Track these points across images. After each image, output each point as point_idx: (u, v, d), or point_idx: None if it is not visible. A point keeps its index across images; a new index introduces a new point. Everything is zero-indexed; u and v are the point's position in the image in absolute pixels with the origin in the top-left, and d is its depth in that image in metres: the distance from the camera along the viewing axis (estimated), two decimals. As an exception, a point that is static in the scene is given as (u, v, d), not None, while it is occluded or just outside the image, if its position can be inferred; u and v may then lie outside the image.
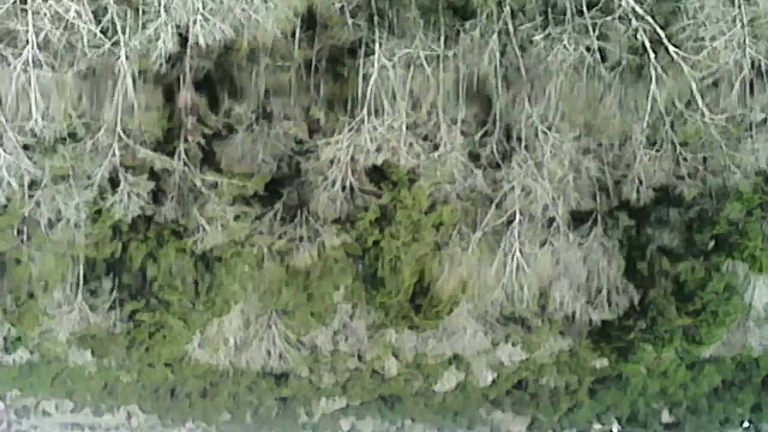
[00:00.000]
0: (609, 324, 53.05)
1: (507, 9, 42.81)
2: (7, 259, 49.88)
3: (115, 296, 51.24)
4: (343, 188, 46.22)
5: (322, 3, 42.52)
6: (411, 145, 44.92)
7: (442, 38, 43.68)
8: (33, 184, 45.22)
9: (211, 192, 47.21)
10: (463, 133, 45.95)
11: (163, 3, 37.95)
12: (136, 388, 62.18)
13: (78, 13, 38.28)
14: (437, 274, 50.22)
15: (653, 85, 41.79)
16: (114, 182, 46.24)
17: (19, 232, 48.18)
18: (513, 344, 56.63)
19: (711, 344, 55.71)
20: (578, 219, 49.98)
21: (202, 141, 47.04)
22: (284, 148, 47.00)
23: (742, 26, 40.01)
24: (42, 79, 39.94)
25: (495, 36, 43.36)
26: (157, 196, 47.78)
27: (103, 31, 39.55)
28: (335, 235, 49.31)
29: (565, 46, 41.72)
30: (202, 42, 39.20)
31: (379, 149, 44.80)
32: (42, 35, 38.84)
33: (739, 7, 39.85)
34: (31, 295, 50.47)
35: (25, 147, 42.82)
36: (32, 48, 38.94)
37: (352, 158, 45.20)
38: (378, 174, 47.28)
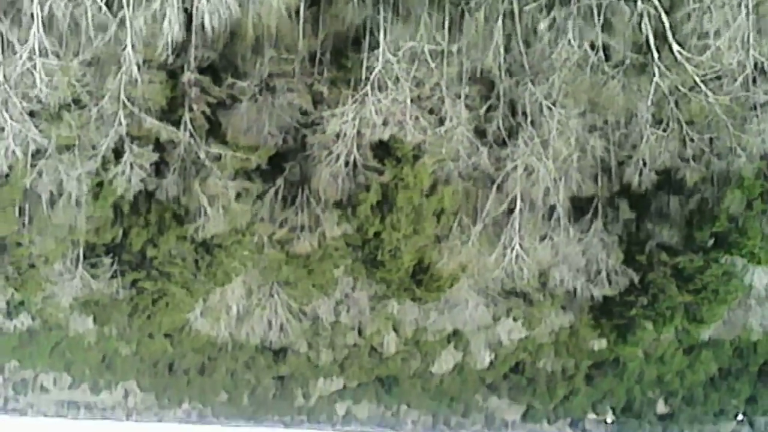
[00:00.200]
0: (610, 300, 53.16)
1: (513, -9, 42.95)
2: (8, 243, 50.18)
3: (116, 268, 51.15)
4: (347, 164, 46.23)
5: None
6: (417, 119, 44.94)
7: (447, 23, 43.71)
8: (37, 153, 45.10)
9: (214, 165, 47.14)
10: (467, 107, 45.91)
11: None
12: (135, 361, 62.50)
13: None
14: (437, 260, 50.45)
15: (656, 78, 42.11)
16: (118, 154, 46.21)
17: (21, 212, 48.31)
18: (514, 319, 56.79)
19: (712, 323, 55.84)
20: (578, 208, 50.20)
21: (207, 110, 46.92)
22: (290, 119, 46.93)
23: (747, 14, 40.01)
24: (47, 66, 40.30)
25: (500, 23, 43.39)
26: (159, 168, 47.69)
27: (108, 5, 39.81)
28: (336, 224, 49.50)
29: (569, 42, 41.86)
30: (207, 23, 39.36)
31: (385, 123, 44.79)
32: (47, 8, 39.14)
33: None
34: (32, 266, 50.56)
35: (31, 114, 42.81)
36: (38, 31, 39.25)
37: (359, 132, 45.15)
38: (383, 150, 47.28)
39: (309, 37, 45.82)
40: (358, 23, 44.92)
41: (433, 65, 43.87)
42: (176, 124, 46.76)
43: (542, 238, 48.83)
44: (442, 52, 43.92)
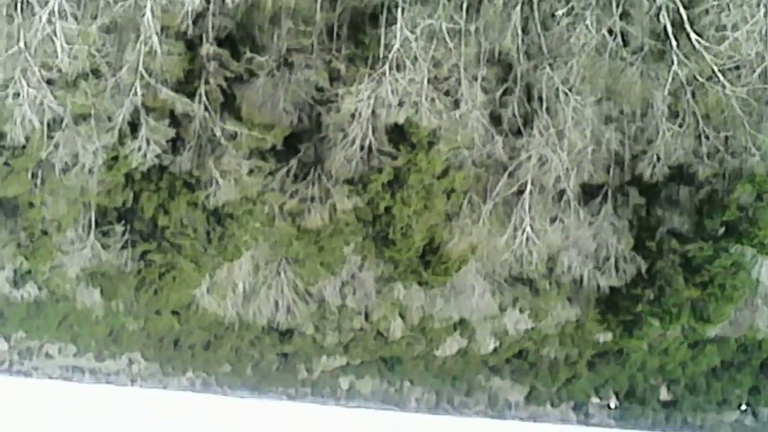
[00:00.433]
0: (617, 293, 53.52)
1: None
2: (20, 203, 50.55)
3: (127, 237, 51.60)
4: (362, 148, 46.72)
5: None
6: (433, 101, 45.21)
7: (465, 5, 44.02)
8: (54, 124, 45.66)
9: (229, 143, 47.67)
10: (484, 90, 46.28)
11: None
12: (141, 336, 62.40)
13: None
14: (447, 240, 50.96)
15: (675, 66, 42.46)
16: (134, 127, 46.77)
17: (33, 175, 48.87)
18: (521, 310, 57.12)
19: (719, 323, 56.16)
20: (588, 193, 50.62)
21: (224, 84, 47.31)
22: (305, 96, 47.32)
23: (766, 13, 40.38)
24: (66, 30, 40.71)
25: (518, 8, 43.83)
26: (175, 145, 48.25)
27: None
28: (346, 197, 49.81)
29: (587, 27, 42.28)
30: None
31: (401, 104, 45.12)
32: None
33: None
34: (45, 233, 50.98)
35: (49, 82, 43.27)
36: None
37: (374, 112, 45.51)
38: (398, 134, 47.68)
39: (326, 10, 46.26)
40: (375, 3, 45.35)
41: (451, 45, 44.15)
42: (191, 96, 47.23)
43: (552, 220, 49.19)
44: (460, 31, 44.20)
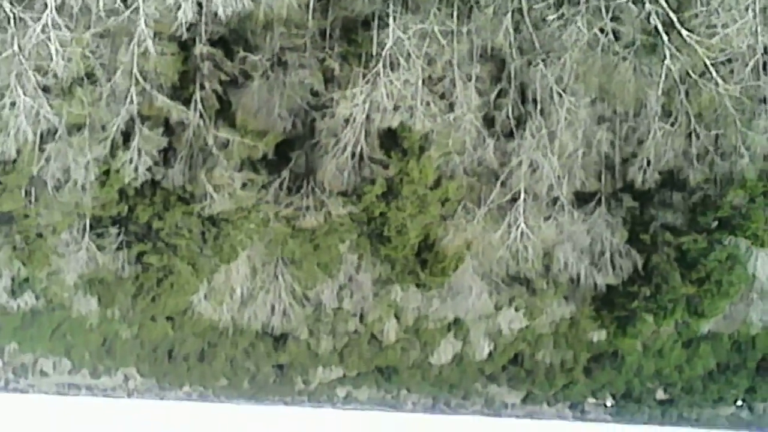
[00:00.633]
0: (613, 290, 53.76)
1: (522, -14, 43.77)
2: (15, 216, 50.59)
3: (122, 239, 51.73)
4: (353, 155, 47.06)
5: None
6: (428, 104, 45.66)
7: (455, 13, 44.64)
8: (47, 135, 45.85)
9: (221, 153, 47.89)
10: (478, 91, 46.70)
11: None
12: (135, 346, 62.58)
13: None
14: (442, 237, 51.26)
15: (668, 60, 42.90)
16: (127, 137, 46.94)
17: (27, 192, 48.99)
18: (516, 308, 57.37)
19: (713, 317, 56.50)
20: (582, 199, 51.05)
21: (219, 89, 47.67)
22: (300, 101, 47.78)
23: (755, 16, 40.93)
24: (61, 36, 40.93)
25: (509, 15, 44.42)
26: (167, 157, 48.49)
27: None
28: (341, 206, 50.15)
29: (579, 27, 42.71)
30: (221, 12, 40.55)
31: (396, 108, 45.49)
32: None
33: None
34: (40, 235, 51.02)
35: (45, 89, 43.38)
36: (51, 11, 40.09)
37: (368, 117, 45.88)
38: (390, 140, 48.02)
39: (318, 19, 46.81)
40: (367, 12, 45.87)
41: (444, 42, 44.67)
42: (187, 102, 47.47)
43: (546, 218, 49.57)
44: (452, 32, 44.84)
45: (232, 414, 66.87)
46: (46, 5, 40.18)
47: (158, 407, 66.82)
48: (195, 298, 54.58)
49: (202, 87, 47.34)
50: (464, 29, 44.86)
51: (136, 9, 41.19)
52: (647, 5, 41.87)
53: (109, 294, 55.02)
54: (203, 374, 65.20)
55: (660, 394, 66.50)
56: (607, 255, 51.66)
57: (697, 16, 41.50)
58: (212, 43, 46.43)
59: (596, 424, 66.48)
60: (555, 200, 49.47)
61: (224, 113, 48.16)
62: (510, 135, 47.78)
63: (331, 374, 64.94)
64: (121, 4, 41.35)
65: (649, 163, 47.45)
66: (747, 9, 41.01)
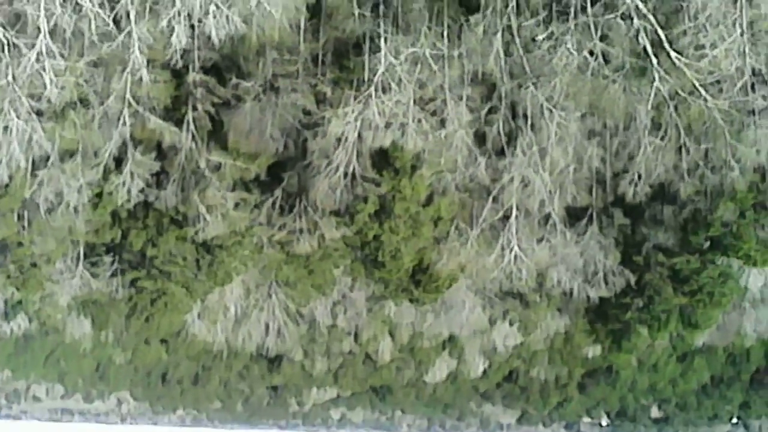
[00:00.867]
0: (606, 302, 54.13)
1: (513, 4, 44.38)
2: (9, 243, 50.80)
3: (116, 267, 52.07)
4: (345, 175, 47.46)
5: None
6: (420, 122, 46.14)
7: (446, 33, 45.21)
8: (39, 161, 46.16)
9: (213, 175, 48.31)
10: (469, 109, 47.19)
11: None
12: (129, 370, 62.79)
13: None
14: (436, 261, 51.58)
15: (657, 82, 43.38)
16: (119, 162, 47.33)
17: (20, 217, 49.15)
18: (510, 323, 57.82)
19: (707, 328, 56.88)
20: (574, 216, 51.38)
21: (211, 110, 48.13)
22: (292, 120, 48.18)
23: (742, 33, 41.47)
24: (54, 65, 41.32)
25: (499, 35, 44.90)
26: (159, 179, 48.87)
27: (116, 21, 41.04)
28: (334, 228, 50.46)
29: (568, 49, 43.24)
30: (214, 36, 40.50)
31: (388, 125, 45.93)
32: (53, 21, 40.21)
33: (741, 9, 41.28)
34: (34, 265, 51.19)
35: (38, 113, 43.73)
36: (45, 37, 40.37)
37: (360, 136, 46.30)
38: (381, 159, 48.50)
39: (310, 41, 47.27)
40: (358, 34, 46.35)
41: (435, 68, 45.25)
42: (179, 123, 47.90)
43: (539, 240, 49.88)
44: (444, 56, 45.37)
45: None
46: (39, 30, 40.47)
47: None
48: (189, 317, 54.96)
49: (195, 109, 47.88)
50: (455, 53, 45.49)
51: (129, 33, 41.46)
52: (636, 21, 42.28)
53: (103, 315, 55.25)
54: (197, 397, 65.46)
55: (655, 412, 66.89)
56: (600, 275, 52.18)
57: (685, 33, 41.87)
58: (205, 70, 47.00)
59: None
60: (547, 218, 49.85)
61: (216, 135, 48.65)
62: (501, 152, 48.26)
63: (325, 395, 65.29)
64: (114, 28, 41.58)
65: (640, 177, 47.91)
66: (734, 24, 41.52)
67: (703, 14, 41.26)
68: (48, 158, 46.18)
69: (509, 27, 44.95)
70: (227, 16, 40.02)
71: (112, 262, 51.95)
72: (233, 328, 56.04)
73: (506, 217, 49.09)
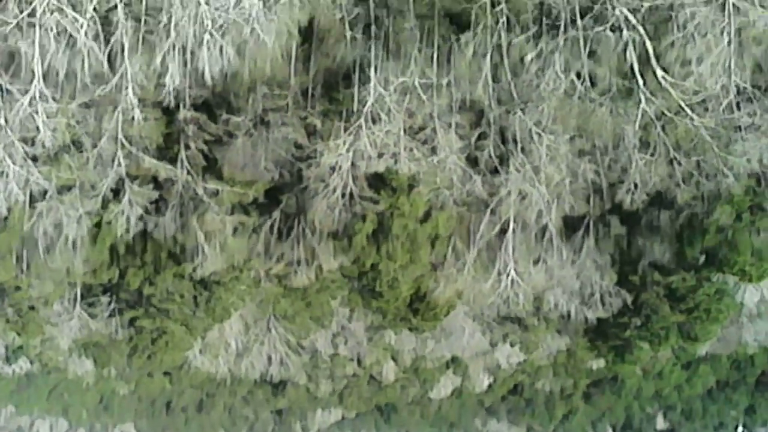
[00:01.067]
0: (604, 322, 54.68)
1: (503, 20, 44.89)
2: (7, 288, 51.45)
3: (113, 306, 52.60)
4: (343, 195, 48.03)
5: (323, 15, 44.41)
6: (411, 150, 46.86)
7: (436, 56, 45.72)
8: (39, 195, 46.55)
9: (212, 200, 48.87)
10: (459, 136, 47.85)
11: (173, 22, 39.64)
12: (133, 401, 63.41)
13: (83, 30, 40.01)
14: (433, 288, 52.14)
15: (643, 104, 44.14)
16: (117, 193, 47.79)
17: (18, 259, 49.42)
18: (511, 344, 58.34)
19: (707, 341, 57.43)
20: (570, 226, 51.86)
21: (204, 148, 48.67)
22: (285, 154, 48.56)
23: (729, 42, 42.00)
24: (47, 108, 41.99)
25: (488, 56, 45.48)
26: (158, 206, 49.31)
27: (110, 58, 41.56)
28: (332, 256, 50.93)
29: (556, 72, 43.96)
30: (207, 73, 40.98)
31: (380, 155, 46.70)
32: (47, 60, 40.72)
33: (729, 16, 41.81)
34: (32, 308, 51.96)
35: (34, 159, 44.47)
36: (38, 82, 40.93)
37: (353, 164, 46.99)
38: (378, 181, 49.00)
39: (300, 73, 47.51)
40: (349, 61, 46.78)
41: (424, 97, 45.82)
42: (173, 161, 48.46)
43: (536, 262, 50.39)
44: (432, 85, 45.86)
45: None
46: (33, 73, 41.00)
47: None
48: (190, 353, 55.57)
49: (188, 147, 48.42)
50: (444, 81, 45.99)
51: (122, 74, 41.98)
52: (625, 32, 42.91)
53: (105, 355, 55.86)
54: (201, 425, 65.74)
55: (660, 422, 67.25)
56: (597, 296, 52.81)
57: (673, 44, 42.43)
58: (195, 107, 47.36)
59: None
60: (544, 232, 50.28)
61: (211, 169, 49.20)
62: (495, 171, 48.88)
63: (330, 417, 65.73)
64: (107, 67, 42.04)
65: (636, 186, 48.51)
66: (723, 32, 42.06)
67: (692, 23, 41.85)
68: (46, 192, 46.66)
69: (499, 46, 45.48)
70: (221, 47, 40.45)
71: (110, 302, 52.55)
72: (235, 360, 56.74)
73: (503, 232, 49.59)
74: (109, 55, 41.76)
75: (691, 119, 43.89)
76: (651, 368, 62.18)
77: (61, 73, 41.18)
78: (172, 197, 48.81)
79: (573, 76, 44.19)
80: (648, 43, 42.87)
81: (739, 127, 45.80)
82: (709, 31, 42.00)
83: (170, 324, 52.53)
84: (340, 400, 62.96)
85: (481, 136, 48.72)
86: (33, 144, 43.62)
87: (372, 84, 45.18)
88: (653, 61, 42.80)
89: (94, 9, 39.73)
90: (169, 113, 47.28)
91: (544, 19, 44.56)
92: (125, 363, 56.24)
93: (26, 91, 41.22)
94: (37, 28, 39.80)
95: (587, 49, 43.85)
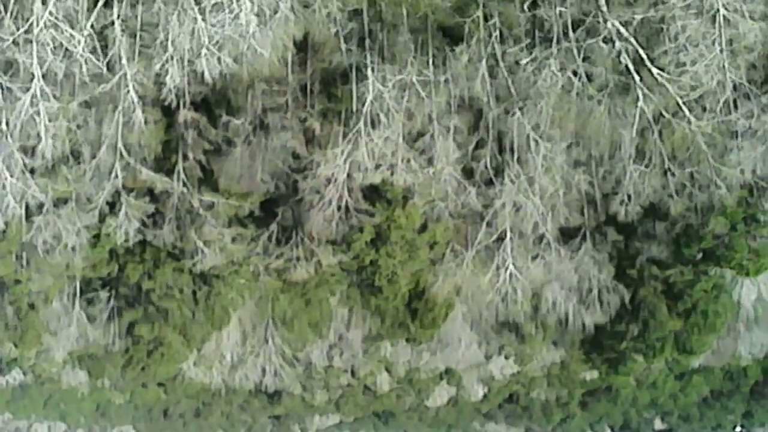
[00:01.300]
0: (601, 330, 55.33)
1: (496, 33, 45.77)
2: (6, 281, 52.18)
3: (113, 305, 53.33)
4: (339, 208, 48.70)
5: (317, 29, 44.98)
6: (408, 161, 47.55)
7: (431, 60, 46.58)
8: (36, 208, 47.50)
9: (208, 213, 49.66)
10: (457, 144, 48.63)
11: (170, 38, 40.40)
12: (129, 408, 63.73)
13: (81, 45, 40.70)
14: (433, 282, 52.85)
15: (641, 102, 44.76)
16: (113, 206, 48.76)
17: (18, 257, 50.50)
18: (506, 357, 58.93)
19: (701, 353, 58.04)
20: (567, 234, 52.64)
21: (202, 158, 49.44)
22: (282, 164, 49.28)
23: (721, 50, 42.83)
24: (48, 109, 42.54)
25: (483, 61, 46.26)
26: (155, 219, 50.21)
27: (109, 66, 42.32)
28: (331, 254, 51.78)
29: (553, 72, 44.58)
30: (207, 75, 41.57)
31: (377, 166, 47.31)
32: (46, 66, 41.29)
33: (719, 28, 42.62)
34: (32, 306, 52.63)
35: (31, 171, 45.24)
36: (39, 81, 41.45)
37: (349, 175, 47.65)
38: (373, 192, 49.74)
39: (298, 73, 48.28)
40: (345, 65, 47.49)
41: (423, 94, 46.43)
42: (170, 173, 49.24)
43: (534, 258, 51.06)
44: (430, 82, 46.56)
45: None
46: (32, 75, 41.54)
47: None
48: (185, 365, 56.28)
49: (185, 158, 49.12)
50: (442, 78, 46.69)
51: (122, 76, 42.69)
52: (617, 43, 43.65)
53: (99, 367, 56.62)
54: (200, 427, 66.23)
55: (658, 424, 67.77)
56: (595, 292, 53.38)
57: (666, 53, 43.28)
58: (195, 106, 47.89)
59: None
60: (541, 237, 51.00)
61: (207, 181, 49.93)
62: (489, 182, 49.54)
63: (328, 421, 66.07)
64: (106, 71, 42.75)
65: (630, 198, 49.01)
66: (714, 43, 42.79)
67: (683, 35, 42.55)
68: (42, 205, 47.42)
69: (494, 54, 46.31)
70: (219, 58, 41.06)
71: (109, 299, 53.23)
72: (230, 372, 57.44)
73: (501, 239, 50.36)
74: (107, 63, 42.59)
75: (689, 122, 44.49)
76: (645, 379, 62.56)
77: (59, 75, 41.81)
78: (168, 210, 49.63)
79: (569, 73, 44.80)
80: (641, 51, 43.72)
81: (736, 132, 46.35)
82: (701, 42, 42.71)
83: (168, 333, 53.17)
84: (337, 407, 63.42)
85: (479, 144, 49.44)
86: (33, 154, 44.24)
87: (370, 81, 45.70)
88: (648, 63, 43.62)
89: (92, 26, 40.60)
90: (169, 114, 47.93)
91: (536, 32, 45.36)
92: (119, 374, 56.87)
93: (27, 89, 41.72)
94: (34, 43, 40.48)
95: (581, 56, 44.62)
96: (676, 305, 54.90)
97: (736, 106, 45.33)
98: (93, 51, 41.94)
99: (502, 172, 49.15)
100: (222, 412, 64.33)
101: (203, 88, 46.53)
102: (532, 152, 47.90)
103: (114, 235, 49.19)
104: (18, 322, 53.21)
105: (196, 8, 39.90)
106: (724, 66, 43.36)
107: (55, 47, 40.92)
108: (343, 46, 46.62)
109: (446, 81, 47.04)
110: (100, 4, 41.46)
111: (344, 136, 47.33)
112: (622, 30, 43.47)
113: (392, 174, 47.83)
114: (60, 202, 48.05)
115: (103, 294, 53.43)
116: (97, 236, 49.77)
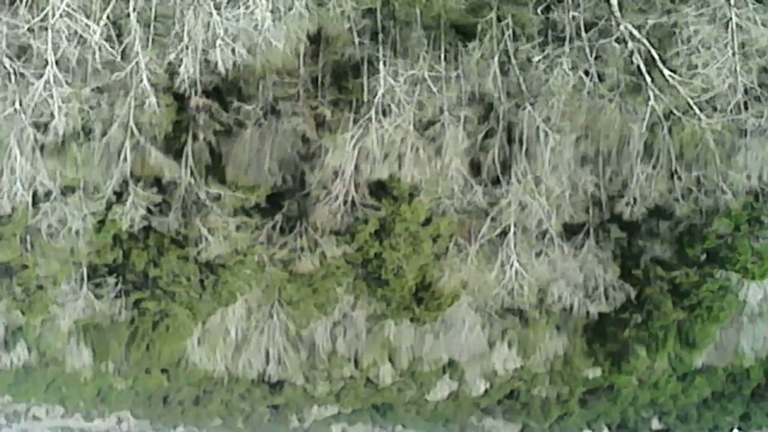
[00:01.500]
0: (605, 318, 55.86)
1: (509, 32, 46.48)
2: (13, 266, 52.82)
3: (120, 287, 53.92)
4: (345, 202, 49.53)
5: (331, 24, 45.62)
6: (417, 150, 48.26)
7: (443, 56, 47.26)
8: (42, 195, 48.34)
9: (214, 204, 50.54)
10: (466, 133, 49.22)
11: (186, 29, 40.95)
12: (130, 394, 64.32)
13: (96, 34, 41.09)
14: (439, 277, 53.54)
15: (652, 101, 45.48)
16: (120, 195, 49.69)
17: (22, 240, 51.17)
18: (509, 344, 59.43)
19: (705, 347, 58.50)
20: (570, 231, 53.38)
21: (212, 139, 50.19)
22: (291, 149, 49.91)
23: (734, 53, 43.43)
24: (61, 93, 43.06)
25: (496, 58, 47.01)
26: (161, 208, 51.02)
27: (123, 55, 42.74)
28: (335, 246, 52.37)
29: (564, 71, 45.28)
30: (221, 66, 42.06)
31: (386, 156, 48.09)
32: (60, 52, 41.72)
33: (731, 33, 43.27)
34: (40, 287, 53.28)
35: (42, 148, 46.12)
36: (52, 67, 41.93)
37: (356, 168, 48.42)
38: (379, 189, 50.52)
39: (309, 65, 49.03)
40: (357, 58, 48.20)
41: (435, 89, 47.14)
42: (179, 155, 50.09)
43: (538, 254, 51.72)
44: (442, 77, 47.24)
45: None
46: (46, 61, 42.00)
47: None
48: (189, 344, 56.76)
49: (195, 138, 49.80)
50: (453, 74, 47.31)
51: (136, 63, 43.05)
52: (630, 44, 44.29)
53: (103, 341, 56.87)
54: (198, 415, 66.94)
55: (656, 424, 68.45)
56: (601, 290, 54.00)
57: (678, 54, 43.87)
58: (207, 93, 48.51)
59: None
60: (544, 233, 51.75)
61: (214, 169, 50.69)
62: (496, 181, 50.24)
63: (326, 412, 66.69)
64: (120, 59, 43.03)
65: (635, 200, 49.76)
66: (726, 46, 43.40)
67: (696, 38, 43.15)
68: (50, 192, 48.27)
69: (506, 51, 46.95)
70: (233, 49, 41.51)
71: (116, 284, 53.86)
72: (233, 356, 57.80)
73: (504, 234, 51.03)
74: (122, 52, 42.94)
75: (699, 119, 45.08)
76: (647, 378, 63.12)
77: (72, 61, 42.21)
78: (175, 200, 50.38)
79: (581, 73, 45.45)
80: (653, 52, 44.35)
81: (745, 131, 47.17)
82: (713, 45, 43.33)
83: (175, 306, 53.89)
84: (337, 399, 64.13)
85: (489, 134, 49.99)
86: (45, 130, 44.69)
87: (381, 75, 46.26)
88: (659, 64, 44.21)
89: (108, 17, 41.10)
90: (180, 99, 48.49)
91: (549, 31, 46.05)
92: (123, 354, 57.31)
93: (40, 76, 42.20)
94: (50, 30, 40.92)
95: (593, 55, 45.33)
96: (681, 301, 55.68)
97: (746, 108, 45.93)
98: (107, 39, 42.25)
99: (509, 168, 49.79)
100: (222, 401, 64.93)
101: (215, 77, 46.85)
102: (541, 144, 48.55)
103: (119, 221, 49.95)
104: (26, 297, 54.02)
105: (211, 3, 40.43)
106: (735, 69, 43.80)
107: (69, 35, 41.21)
108: (356, 40, 47.13)
109: (458, 77, 47.57)
110: (115, -5, 41.91)
111: (355, 122, 47.95)
112: (635, 32, 44.06)
113: (400, 167, 48.46)
114: (68, 190, 48.81)
115: (111, 280, 53.99)
116: (101, 221, 50.52)
